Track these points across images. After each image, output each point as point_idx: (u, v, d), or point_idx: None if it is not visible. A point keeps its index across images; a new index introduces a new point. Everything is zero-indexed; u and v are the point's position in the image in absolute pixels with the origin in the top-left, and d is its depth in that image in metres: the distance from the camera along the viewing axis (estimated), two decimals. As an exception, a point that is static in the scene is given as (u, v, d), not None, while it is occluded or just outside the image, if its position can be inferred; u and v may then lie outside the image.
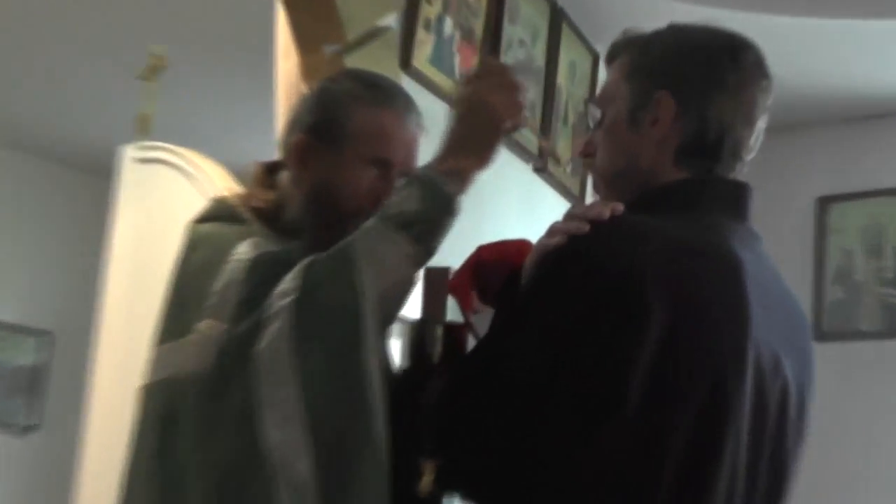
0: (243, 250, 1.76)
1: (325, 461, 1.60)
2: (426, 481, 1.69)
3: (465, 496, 1.67)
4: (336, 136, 1.91)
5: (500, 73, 1.78)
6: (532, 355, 1.55)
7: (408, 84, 3.57)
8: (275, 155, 2.07)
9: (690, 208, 1.69)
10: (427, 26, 3.74)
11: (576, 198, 4.72)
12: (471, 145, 1.76)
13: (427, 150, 3.59)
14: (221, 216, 1.93)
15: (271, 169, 2.00)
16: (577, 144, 1.91)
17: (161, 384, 1.79)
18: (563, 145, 4.71)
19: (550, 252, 1.60)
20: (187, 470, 1.68)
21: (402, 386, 1.93)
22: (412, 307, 3.42)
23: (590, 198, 4.74)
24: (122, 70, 4.80)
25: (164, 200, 3.89)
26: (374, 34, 3.31)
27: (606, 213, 1.60)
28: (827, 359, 4.91)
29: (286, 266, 1.72)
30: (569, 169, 4.74)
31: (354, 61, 3.12)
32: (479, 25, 4.09)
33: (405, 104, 1.96)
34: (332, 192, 1.89)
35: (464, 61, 3.99)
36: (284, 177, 1.97)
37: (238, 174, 2.63)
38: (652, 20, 1.84)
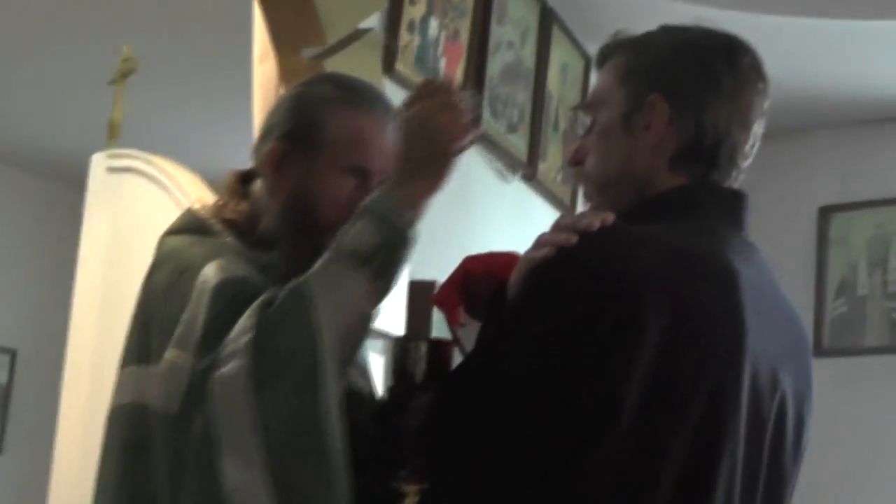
0: (209, 274, 1.76)
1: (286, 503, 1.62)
2: (407, 503, 1.70)
3: None
4: (312, 144, 1.90)
5: (444, 93, 1.77)
6: (521, 371, 1.55)
7: (391, 88, 3.58)
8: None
9: (686, 216, 1.69)
10: (411, 28, 3.75)
11: (566, 207, 4.72)
12: (422, 171, 1.75)
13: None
14: (193, 228, 1.93)
15: (245, 178, 2.00)
16: (568, 151, 1.91)
17: (125, 409, 1.81)
18: (554, 152, 4.72)
19: (539, 264, 1.60)
20: (160, 497, 1.71)
21: (385, 404, 1.95)
22: (396, 323, 3.44)
23: (581, 207, 4.75)
24: (94, 76, 4.79)
25: (135, 211, 3.88)
26: (355, 36, 3.31)
27: (596, 224, 1.60)
28: (829, 375, 4.96)
29: (251, 291, 1.74)
30: (559, 177, 4.75)
31: (335, 64, 3.12)
32: (465, 26, 4.09)
33: (384, 109, 1.95)
34: (309, 201, 1.89)
35: (450, 64, 4.00)
36: (259, 186, 1.96)
37: (214, 182, 2.63)
38: (649, 21, 1.85)
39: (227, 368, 1.65)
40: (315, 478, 1.63)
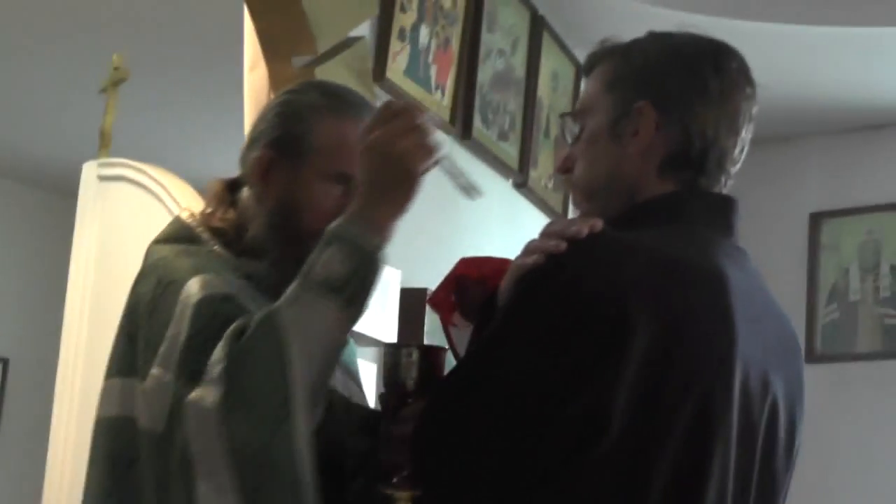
0: (192, 290, 1.77)
1: None
2: None
3: None
4: (299, 151, 1.90)
5: (406, 116, 1.76)
6: (510, 379, 1.56)
7: (382, 97, 3.58)
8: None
9: (675, 222, 1.69)
10: (402, 36, 3.75)
11: (557, 214, 4.73)
12: (387, 196, 1.75)
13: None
14: (181, 237, 1.93)
15: (232, 186, 2.00)
16: (558, 159, 1.91)
17: (112, 422, 1.82)
18: (545, 159, 4.72)
19: (527, 272, 1.60)
20: None
21: (377, 412, 1.95)
22: (389, 330, 3.44)
23: (572, 214, 4.76)
24: (85, 85, 4.79)
25: (127, 219, 3.88)
26: (346, 44, 3.31)
27: (584, 230, 1.60)
28: (821, 381, 4.96)
29: (233, 309, 1.75)
30: (550, 185, 4.75)
31: (326, 72, 3.12)
32: (456, 34, 4.10)
33: (369, 115, 1.93)
34: (296, 209, 1.89)
35: (440, 72, 4.00)
36: (245, 194, 1.96)
37: (205, 190, 2.64)
38: (639, 28, 1.85)
39: (200, 397, 1.66)
40: None
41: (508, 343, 1.58)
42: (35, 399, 5.33)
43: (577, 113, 1.82)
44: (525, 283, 1.60)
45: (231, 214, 1.95)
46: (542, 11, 4.69)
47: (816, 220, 5.72)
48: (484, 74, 4.27)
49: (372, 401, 2.06)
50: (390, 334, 3.47)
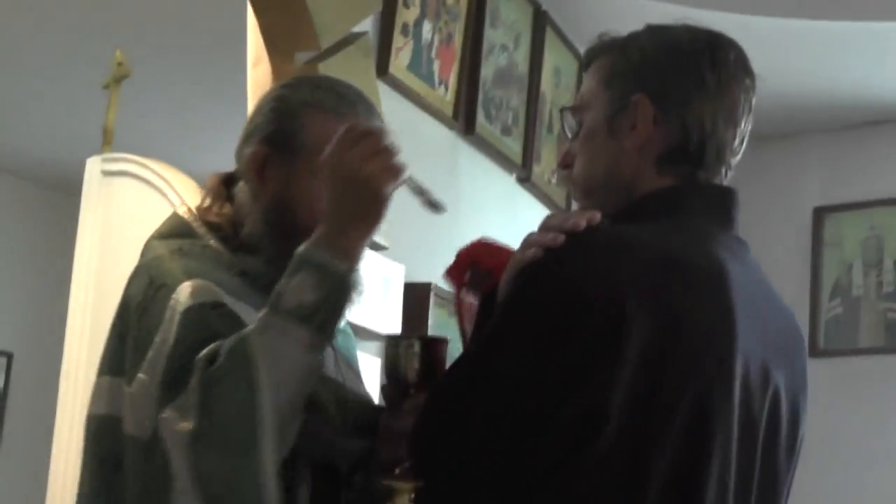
0: (181, 297, 1.77)
1: None
2: (400, 502, 1.71)
3: None
4: (293, 147, 1.89)
5: (371, 138, 1.75)
6: (509, 378, 1.56)
7: (385, 92, 3.58)
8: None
9: (674, 216, 1.69)
10: (405, 31, 3.75)
11: (560, 209, 4.73)
12: (356, 220, 1.75)
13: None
14: (178, 232, 1.94)
15: (228, 181, 2.00)
16: (560, 154, 1.91)
17: (101, 420, 1.83)
18: (548, 154, 4.72)
19: (526, 266, 1.60)
20: None
21: (375, 409, 1.96)
22: (393, 325, 3.44)
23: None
24: (88, 81, 4.79)
25: (130, 215, 3.89)
26: (349, 40, 3.32)
27: (583, 223, 1.60)
28: (824, 376, 4.96)
29: (222, 317, 1.76)
30: (553, 180, 4.75)
31: (329, 68, 3.13)
32: (458, 29, 4.10)
33: (366, 111, 1.95)
34: (292, 205, 1.88)
35: (443, 67, 4.00)
36: (241, 189, 1.96)
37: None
38: (641, 23, 1.84)
39: (176, 422, 1.67)
40: None
41: (506, 341, 1.58)
42: (39, 394, 5.34)
43: (576, 108, 1.82)
44: (522, 279, 1.60)
45: (227, 209, 1.95)
46: (544, 6, 4.69)
47: (819, 215, 5.72)
48: (487, 70, 4.28)
49: (369, 387, 2.06)
50: (394, 329, 3.47)
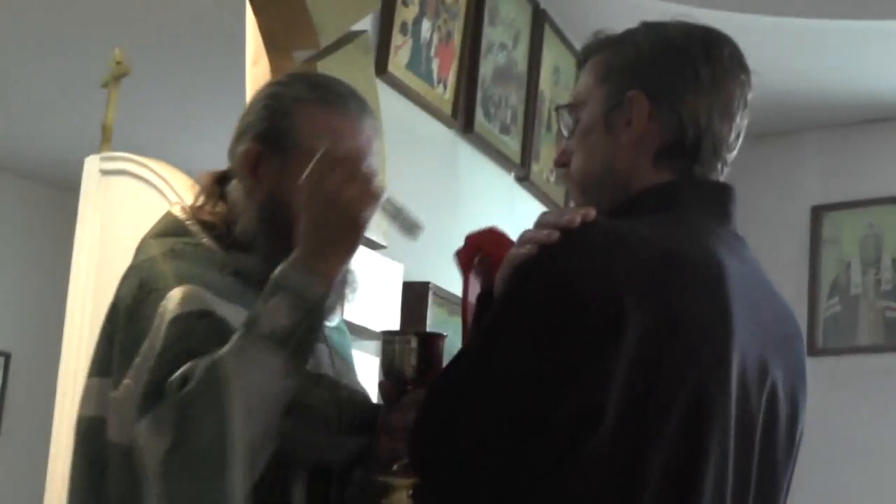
0: (170, 305, 1.78)
1: None
2: (397, 498, 1.73)
3: None
4: (286, 144, 1.89)
5: (348, 164, 1.76)
6: (505, 376, 1.56)
7: (384, 90, 3.58)
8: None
9: (671, 211, 1.69)
10: (404, 30, 3.75)
11: (559, 207, 4.73)
12: (334, 245, 1.75)
13: (396, 159, 3.60)
14: (171, 231, 1.94)
15: (221, 179, 2.00)
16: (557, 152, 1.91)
17: (91, 422, 1.84)
18: (547, 152, 4.73)
19: (521, 263, 1.60)
20: None
21: (371, 407, 1.96)
22: (392, 324, 3.44)
23: (575, 208, 4.76)
24: (86, 79, 4.80)
25: (129, 214, 3.89)
26: (347, 38, 3.32)
27: (577, 220, 1.60)
28: (823, 374, 4.97)
29: (210, 325, 1.76)
30: (552, 178, 4.75)
31: (328, 67, 3.13)
32: (457, 28, 4.10)
33: (358, 107, 1.95)
34: (286, 202, 1.87)
35: (442, 66, 4.00)
36: (235, 187, 1.96)
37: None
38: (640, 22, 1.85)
39: (150, 434, 1.68)
40: None
41: (501, 338, 1.58)
42: (37, 393, 5.34)
43: (572, 106, 1.82)
44: (518, 276, 1.60)
45: (221, 208, 1.95)
46: (543, 5, 4.70)
47: (818, 213, 5.73)
48: (486, 68, 4.28)
49: (365, 384, 2.05)
50: (393, 328, 3.47)
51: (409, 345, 1.82)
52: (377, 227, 1.80)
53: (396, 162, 3.54)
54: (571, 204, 1.87)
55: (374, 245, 3.35)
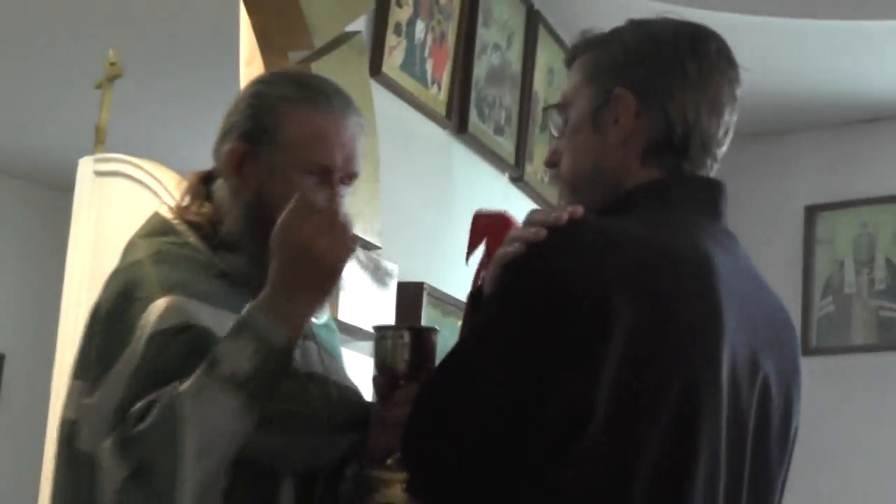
0: (151, 319, 1.78)
1: None
2: (391, 493, 1.74)
3: None
4: (272, 143, 1.89)
5: (325, 213, 1.77)
6: (495, 374, 1.56)
7: (378, 91, 3.58)
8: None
9: (660, 208, 1.69)
10: (398, 30, 3.75)
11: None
12: (304, 292, 1.75)
13: (391, 159, 3.60)
14: (160, 231, 1.94)
15: (207, 178, 2.00)
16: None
17: (72, 426, 1.84)
18: (541, 153, 4.73)
19: (509, 262, 1.61)
20: None
21: (363, 406, 1.96)
22: (387, 321, 3.44)
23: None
24: (80, 80, 4.80)
25: (123, 215, 3.88)
26: (342, 39, 3.32)
27: (565, 217, 1.60)
28: (816, 374, 4.97)
29: (190, 340, 1.76)
30: (546, 179, 4.75)
31: (322, 68, 3.13)
32: (451, 29, 4.10)
33: (343, 105, 1.94)
34: (272, 201, 1.87)
35: (436, 66, 4.00)
36: (220, 186, 1.96)
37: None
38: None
39: (110, 456, 1.70)
40: None
41: (491, 337, 1.59)
42: (32, 394, 5.34)
43: (561, 105, 1.82)
44: (506, 275, 1.60)
45: (206, 208, 1.95)
46: (537, 6, 4.70)
47: (811, 213, 5.73)
48: (480, 69, 4.28)
49: (355, 381, 2.05)
50: (386, 323, 3.47)
51: (401, 339, 1.82)
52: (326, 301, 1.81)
53: (391, 163, 3.54)
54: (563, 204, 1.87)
55: (368, 246, 3.36)
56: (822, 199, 5.73)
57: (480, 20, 4.26)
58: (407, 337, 1.82)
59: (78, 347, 1.89)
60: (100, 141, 4.31)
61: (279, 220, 1.74)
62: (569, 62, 1.85)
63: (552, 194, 4.81)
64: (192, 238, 1.90)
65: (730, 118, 1.76)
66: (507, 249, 1.61)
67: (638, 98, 1.71)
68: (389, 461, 1.78)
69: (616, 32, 1.79)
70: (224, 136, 1.94)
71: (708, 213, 1.73)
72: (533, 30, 4.67)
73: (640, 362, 1.52)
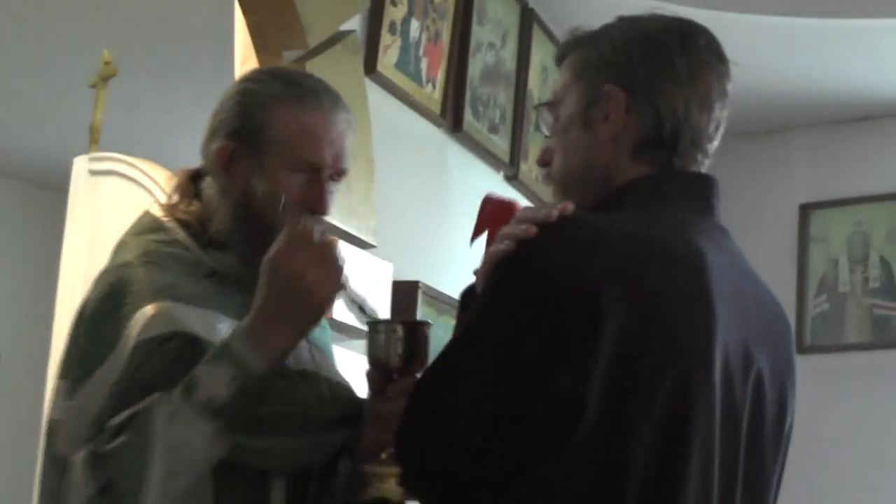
0: (136, 330, 1.78)
1: None
2: (386, 487, 1.74)
3: None
4: (260, 141, 1.88)
5: (319, 248, 1.77)
6: (488, 370, 1.57)
7: (373, 90, 3.58)
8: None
9: (651, 204, 1.69)
10: (392, 29, 3.75)
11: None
12: (289, 323, 1.75)
13: (386, 158, 3.60)
14: (149, 228, 1.94)
15: (195, 177, 1.99)
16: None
17: (52, 424, 1.84)
18: (535, 151, 4.73)
19: (500, 260, 1.61)
20: None
21: (355, 403, 1.96)
22: (383, 316, 3.44)
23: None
24: (74, 80, 4.79)
25: (118, 214, 3.88)
26: (336, 38, 3.32)
27: (555, 214, 1.60)
28: (811, 372, 4.97)
29: (175, 349, 1.76)
30: (541, 177, 4.76)
31: (316, 67, 3.13)
32: (446, 27, 4.10)
33: (331, 101, 1.94)
34: (260, 201, 1.88)
35: (431, 65, 4.00)
36: (209, 185, 1.96)
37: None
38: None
39: (80, 474, 1.71)
40: None
41: (483, 335, 1.59)
42: (26, 394, 5.33)
43: (552, 103, 1.82)
44: (498, 272, 1.61)
45: (195, 206, 1.95)
46: (531, 4, 4.70)
47: (806, 211, 5.74)
48: (474, 67, 4.28)
49: (343, 374, 2.06)
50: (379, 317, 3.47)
51: (395, 333, 1.83)
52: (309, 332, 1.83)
53: (385, 161, 3.54)
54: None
55: (363, 244, 3.36)
56: (816, 197, 5.73)
57: (475, 19, 4.27)
58: (400, 331, 1.83)
59: (64, 347, 1.89)
60: (94, 140, 4.31)
61: (271, 248, 1.75)
62: (559, 60, 1.85)
63: (547, 193, 4.81)
64: (181, 235, 1.91)
65: (720, 113, 1.76)
66: (498, 247, 1.61)
67: (628, 95, 1.72)
68: (383, 455, 1.79)
69: (605, 29, 1.79)
70: (212, 134, 1.94)
71: (699, 209, 1.73)
72: (527, 28, 4.67)
73: (631, 359, 1.52)
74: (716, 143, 1.77)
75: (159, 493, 1.67)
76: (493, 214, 1.93)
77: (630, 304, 1.53)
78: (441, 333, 1.90)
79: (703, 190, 1.75)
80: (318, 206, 1.89)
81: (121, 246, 1.94)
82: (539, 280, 1.56)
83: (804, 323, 5.57)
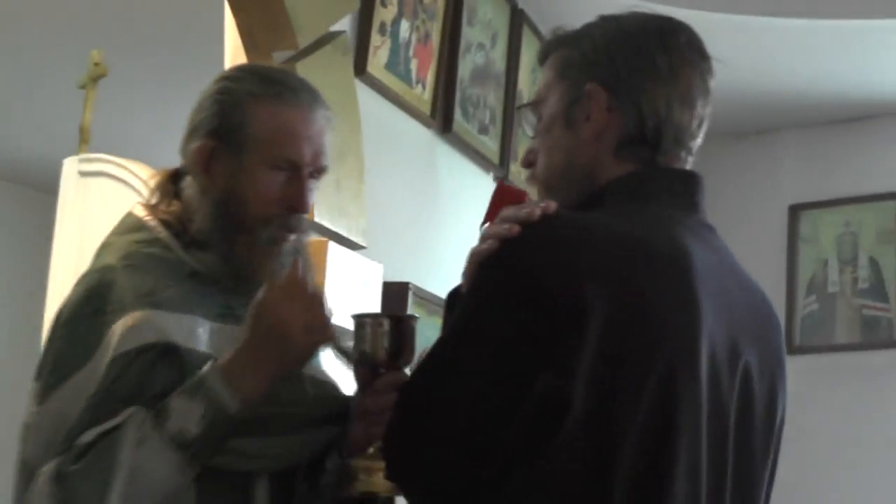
0: (114, 341, 1.77)
1: None
2: (374, 482, 1.76)
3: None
4: (239, 140, 1.88)
5: (311, 300, 1.79)
6: (473, 370, 1.57)
7: (363, 91, 3.59)
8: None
9: (635, 201, 1.69)
10: (382, 30, 3.76)
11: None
12: (266, 364, 1.76)
13: (375, 159, 3.59)
14: (132, 228, 1.94)
15: (175, 176, 1.99)
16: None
17: (23, 429, 1.84)
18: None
19: (483, 259, 1.61)
20: None
21: (344, 399, 1.96)
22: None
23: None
24: (64, 80, 4.78)
25: (107, 215, 3.86)
26: (326, 39, 3.32)
27: (537, 213, 1.61)
28: (800, 372, 4.98)
29: (152, 360, 1.76)
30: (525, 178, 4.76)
31: (306, 68, 3.13)
32: (436, 28, 4.10)
33: (310, 98, 1.94)
34: (241, 198, 1.88)
35: (421, 66, 4.01)
36: (189, 184, 1.95)
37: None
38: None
39: (42, 490, 1.71)
40: None
41: (468, 335, 1.60)
42: (15, 396, 5.31)
43: (534, 103, 1.83)
44: (481, 271, 1.61)
45: (175, 206, 1.95)
46: (521, 5, 4.71)
47: (795, 212, 5.75)
48: (464, 68, 4.29)
49: (329, 372, 2.06)
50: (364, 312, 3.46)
51: (381, 327, 1.84)
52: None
53: (375, 162, 3.54)
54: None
55: (353, 245, 3.36)
56: (805, 197, 5.74)
57: (465, 19, 4.27)
58: (386, 324, 1.84)
59: (42, 348, 1.88)
60: (84, 141, 4.30)
61: (262, 292, 1.77)
62: (541, 59, 1.85)
63: (535, 194, 4.81)
64: (163, 235, 1.91)
65: (703, 110, 1.76)
66: (481, 247, 1.62)
67: (609, 93, 1.72)
68: (371, 450, 1.79)
69: (587, 28, 1.80)
70: (191, 133, 1.94)
71: (684, 206, 1.73)
72: (517, 29, 4.68)
73: (615, 357, 1.53)
74: (699, 141, 1.77)
75: None
76: (502, 203, 1.93)
77: (614, 301, 1.53)
78: (430, 335, 1.91)
79: (687, 187, 1.75)
80: (298, 204, 1.89)
81: (104, 247, 1.94)
82: (523, 279, 1.56)
83: (794, 323, 5.59)
